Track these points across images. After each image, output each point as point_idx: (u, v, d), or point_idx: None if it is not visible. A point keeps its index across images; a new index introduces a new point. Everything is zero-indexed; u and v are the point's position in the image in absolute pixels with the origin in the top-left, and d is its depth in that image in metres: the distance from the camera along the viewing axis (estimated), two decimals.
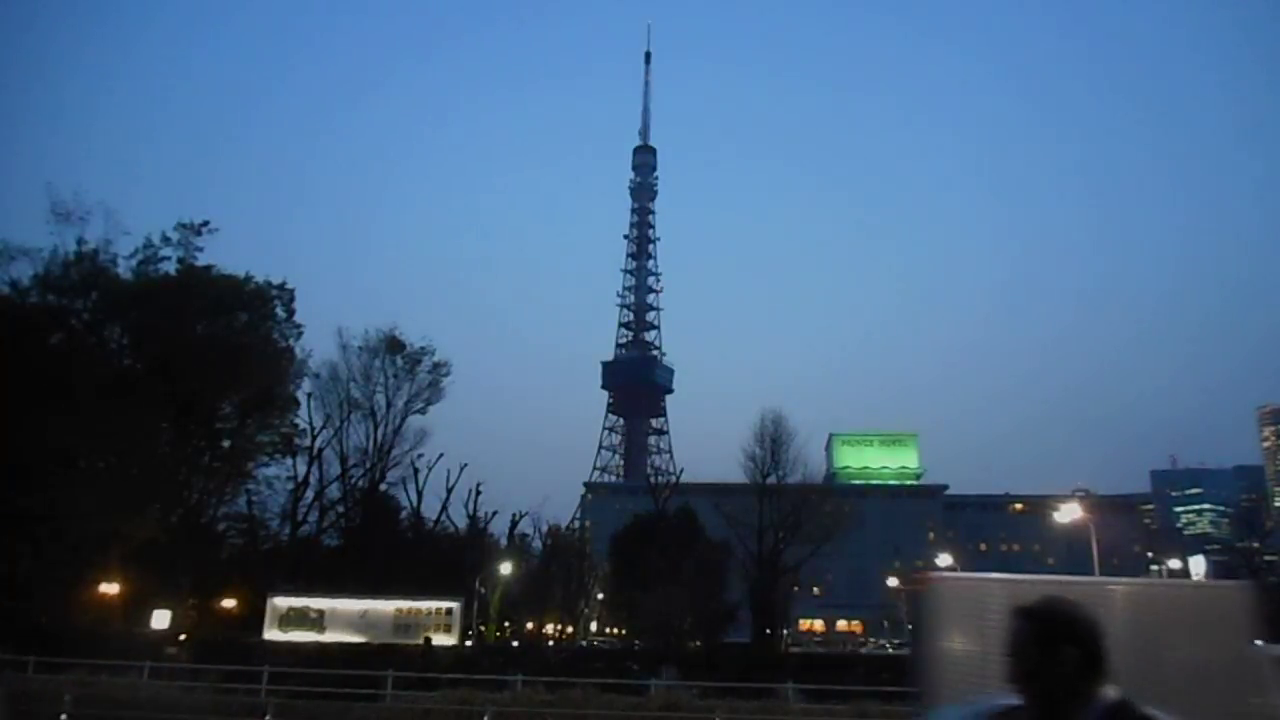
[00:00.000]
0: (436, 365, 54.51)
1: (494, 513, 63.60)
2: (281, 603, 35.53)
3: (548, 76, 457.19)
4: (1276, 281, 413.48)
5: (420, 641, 31.52)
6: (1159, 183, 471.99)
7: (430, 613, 34.91)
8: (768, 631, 55.07)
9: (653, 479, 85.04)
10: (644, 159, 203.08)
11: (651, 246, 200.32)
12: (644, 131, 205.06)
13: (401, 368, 53.86)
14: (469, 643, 42.24)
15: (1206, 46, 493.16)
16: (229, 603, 49.70)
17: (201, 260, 46.31)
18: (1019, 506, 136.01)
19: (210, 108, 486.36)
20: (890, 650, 69.12)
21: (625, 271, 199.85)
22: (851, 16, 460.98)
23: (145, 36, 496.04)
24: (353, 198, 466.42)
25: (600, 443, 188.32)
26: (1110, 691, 2.43)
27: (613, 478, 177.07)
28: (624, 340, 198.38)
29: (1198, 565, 59.29)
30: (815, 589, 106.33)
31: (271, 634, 34.41)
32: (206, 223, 46.69)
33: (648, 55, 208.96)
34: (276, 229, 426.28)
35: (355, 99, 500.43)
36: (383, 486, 55.20)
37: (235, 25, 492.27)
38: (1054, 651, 2.46)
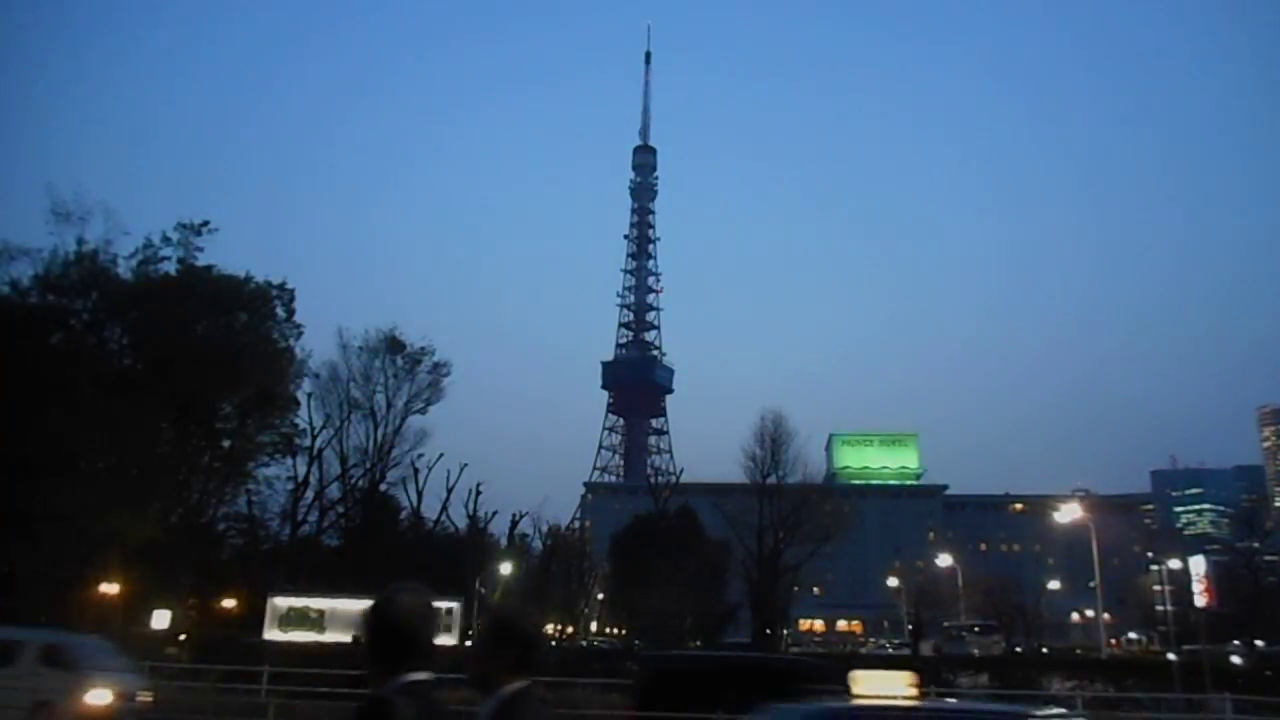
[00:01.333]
0: (437, 365, 54.68)
1: (494, 513, 63.63)
2: (281, 603, 35.53)
3: (547, 77, 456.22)
4: (1276, 281, 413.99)
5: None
6: (1158, 181, 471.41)
7: None
8: (768, 631, 55.12)
9: (653, 479, 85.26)
10: (644, 159, 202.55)
11: (651, 246, 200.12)
12: (644, 131, 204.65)
13: (401, 368, 54.00)
14: (469, 643, 42.22)
15: (1204, 47, 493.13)
16: (229, 603, 49.71)
17: (201, 260, 46.25)
18: (1019, 506, 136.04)
19: (211, 109, 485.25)
20: (890, 650, 69.08)
21: (625, 271, 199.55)
22: (851, 19, 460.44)
23: (146, 37, 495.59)
24: (353, 197, 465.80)
25: (600, 443, 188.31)
26: (414, 675, 3.01)
27: (613, 478, 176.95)
28: (624, 340, 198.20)
29: (1198, 565, 59.15)
30: (815, 589, 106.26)
31: (271, 634, 34.41)
32: (206, 223, 46.68)
33: (648, 55, 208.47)
34: (276, 229, 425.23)
35: (356, 99, 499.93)
36: (383, 486, 55.32)
37: (236, 27, 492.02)
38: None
